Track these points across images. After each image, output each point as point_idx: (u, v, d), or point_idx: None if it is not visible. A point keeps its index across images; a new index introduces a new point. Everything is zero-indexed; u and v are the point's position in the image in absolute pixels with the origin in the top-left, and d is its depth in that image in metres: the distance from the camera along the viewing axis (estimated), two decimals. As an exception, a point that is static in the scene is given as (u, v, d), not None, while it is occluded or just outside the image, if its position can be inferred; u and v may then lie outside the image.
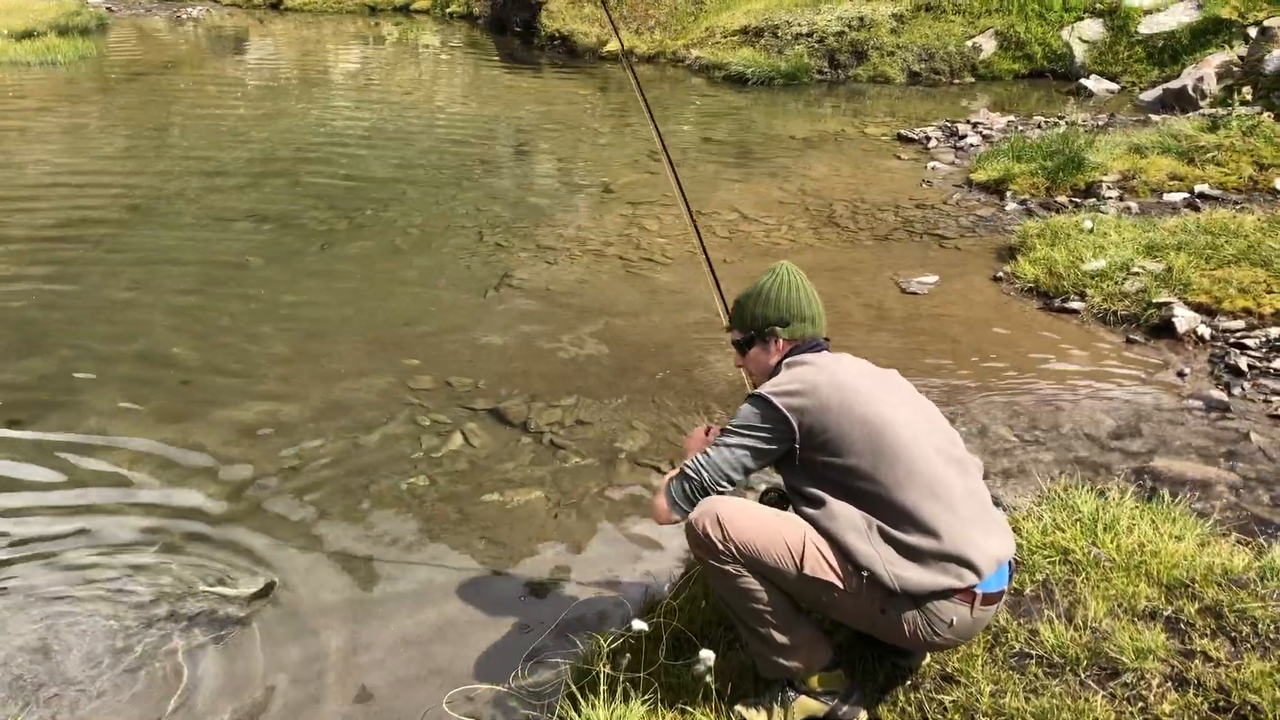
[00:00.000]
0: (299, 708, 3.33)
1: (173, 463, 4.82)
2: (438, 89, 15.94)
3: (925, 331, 6.15)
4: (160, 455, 4.88)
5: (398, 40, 21.62)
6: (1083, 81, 13.94)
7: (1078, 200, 8.47)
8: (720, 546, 2.74)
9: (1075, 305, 6.32)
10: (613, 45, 17.62)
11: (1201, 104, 11.49)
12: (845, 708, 2.85)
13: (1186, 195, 8.27)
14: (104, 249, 7.85)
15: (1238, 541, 3.61)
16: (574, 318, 6.43)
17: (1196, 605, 3.16)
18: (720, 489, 2.84)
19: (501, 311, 6.57)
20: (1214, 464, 4.47)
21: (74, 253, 7.75)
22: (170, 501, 4.50)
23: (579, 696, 2.93)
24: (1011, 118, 11.97)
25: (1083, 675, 2.93)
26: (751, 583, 2.75)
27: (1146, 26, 14.26)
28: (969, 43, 15.25)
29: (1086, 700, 2.82)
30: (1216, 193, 8.26)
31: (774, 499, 3.01)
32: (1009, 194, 8.80)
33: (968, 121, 11.80)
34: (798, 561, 2.70)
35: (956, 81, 15.01)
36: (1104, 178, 8.68)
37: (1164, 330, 5.87)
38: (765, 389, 2.84)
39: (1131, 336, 5.92)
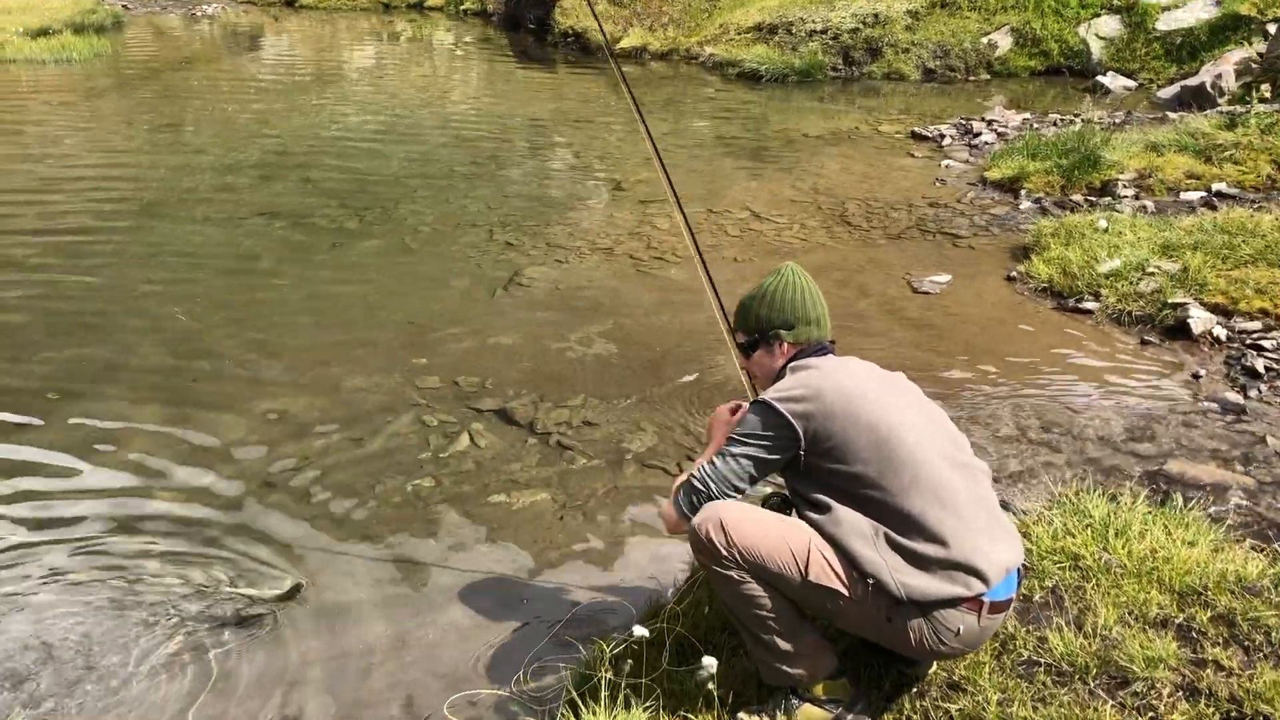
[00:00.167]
0: (298, 710, 3.31)
1: (176, 462, 4.81)
2: (451, 86, 15.94)
3: (937, 332, 6.10)
4: (164, 454, 4.87)
5: (411, 37, 21.63)
6: (1099, 79, 13.82)
7: (1093, 199, 8.39)
8: (724, 552, 2.70)
9: (1089, 305, 6.26)
10: (626, 42, 17.56)
11: (1220, 101, 11.37)
12: (850, 716, 2.81)
13: (1204, 194, 8.17)
14: (115, 246, 7.86)
15: (1252, 548, 3.55)
16: (583, 317, 6.40)
17: (1209, 613, 3.11)
18: (727, 499, 2.81)
19: (510, 310, 6.55)
20: (1229, 468, 4.41)
21: (85, 250, 7.75)
22: (173, 500, 4.50)
23: (580, 703, 2.90)
24: (1027, 115, 11.87)
25: (1092, 684, 2.88)
26: (755, 589, 2.72)
27: (1164, 23, 14.14)
28: (984, 39, 15.15)
29: (1095, 710, 2.78)
30: (1234, 191, 8.16)
31: (777, 503, 2.98)
32: (1023, 192, 8.73)
33: (982, 119, 11.72)
34: (802, 568, 2.67)
35: (972, 79, 14.91)
36: (1120, 176, 8.60)
37: (1179, 331, 5.80)
38: (769, 395, 2.80)
39: (1146, 337, 5.85)
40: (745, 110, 13.29)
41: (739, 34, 16.56)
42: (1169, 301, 5.96)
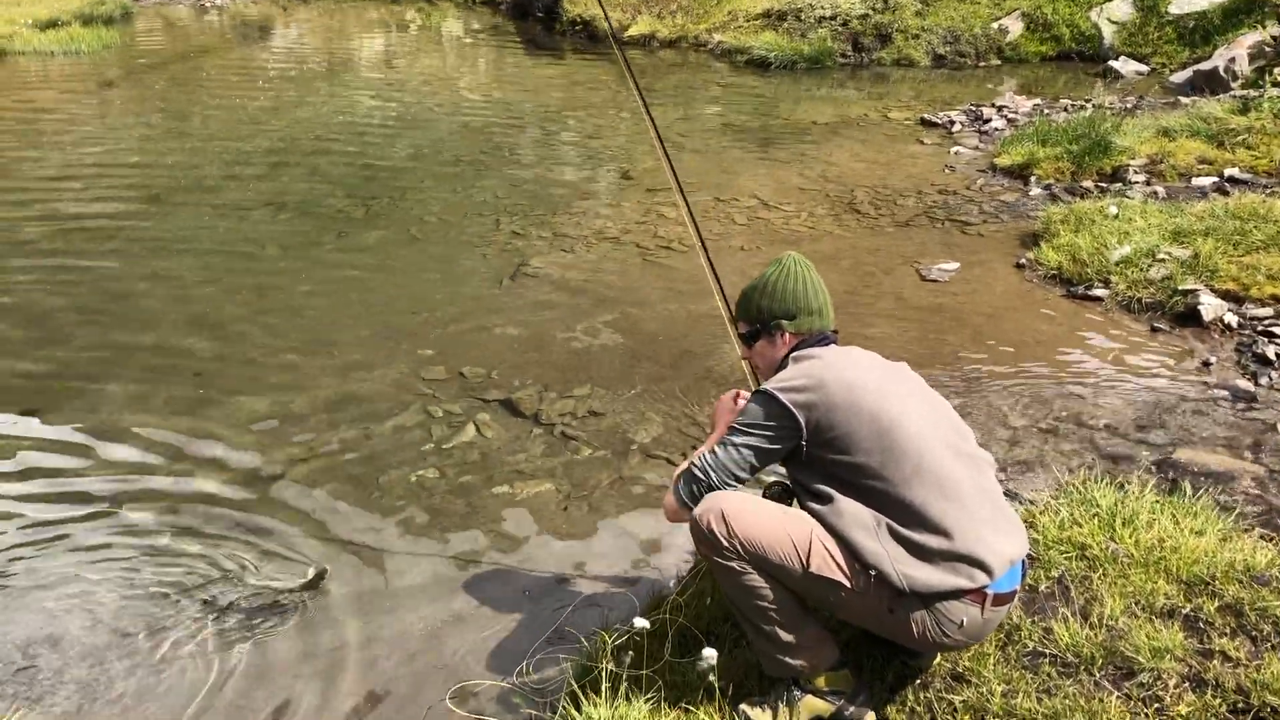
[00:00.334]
0: (299, 701, 3.31)
1: (183, 453, 4.82)
2: (459, 75, 15.89)
3: (945, 319, 6.06)
4: (171, 444, 4.88)
5: (421, 26, 21.57)
6: (1111, 63, 13.70)
7: (1104, 185, 8.32)
8: (725, 543, 2.68)
9: (1099, 292, 6.21)
10: (635, 29, 17.49)
11: (1233, 85, 11.25)
12: (852, 708, 2.80)
13: (1216, 179, 8.09)
14: (123, 238, 7.86)
15: (1261, 537, 3.51)
16: (589, 307, 6.38)
17: (1216, 603, 3.08)
18: (728, 489, 2.79)
19: (516, 301, 6.53)
20: (1239, 456, 4.36)
21: (95, 240, 7.77)
22: (180, 490, 4.51)
23: (581, 694, 2.89)
24: (1038, 101, 11.78)
25: (1097, 675, 2.86)
26: (756, 580, 2.70)
27: (1177, 6, 14.00)
28: (995, 25, 15.02)
29: (1101, 701, 2.76)
30: (1246, 177, 8.08)
31: (778, 493, 2.96)
32: (1033, 179, 8.66)
33: (993, 105, 11.62)
34: (804, 559, 2.65)
35: (982, 64, 14.79)
36: (1131, 162, 8.52)
37: (1189, 318, 5.74)
38: (771, 385, 2.78)
39: (1156, 325, 5.80)
40: (754, 98, 13.22)
41: (748, 21, 16.46)
42: (1179, 288, 5.91)
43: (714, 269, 3.44)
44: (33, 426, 5.09)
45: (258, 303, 6.58)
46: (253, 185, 9.28)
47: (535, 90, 14.06)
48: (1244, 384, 5.02)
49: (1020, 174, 8.86)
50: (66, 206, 8.72)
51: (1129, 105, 10.84)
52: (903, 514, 2.62)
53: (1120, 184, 8.21)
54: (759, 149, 10.38)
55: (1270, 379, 5.05)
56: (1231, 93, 10.65)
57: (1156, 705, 2.74)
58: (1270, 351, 5.25)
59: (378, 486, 4.52)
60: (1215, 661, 2.86)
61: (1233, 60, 11.61)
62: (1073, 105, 11.26)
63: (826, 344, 2.92)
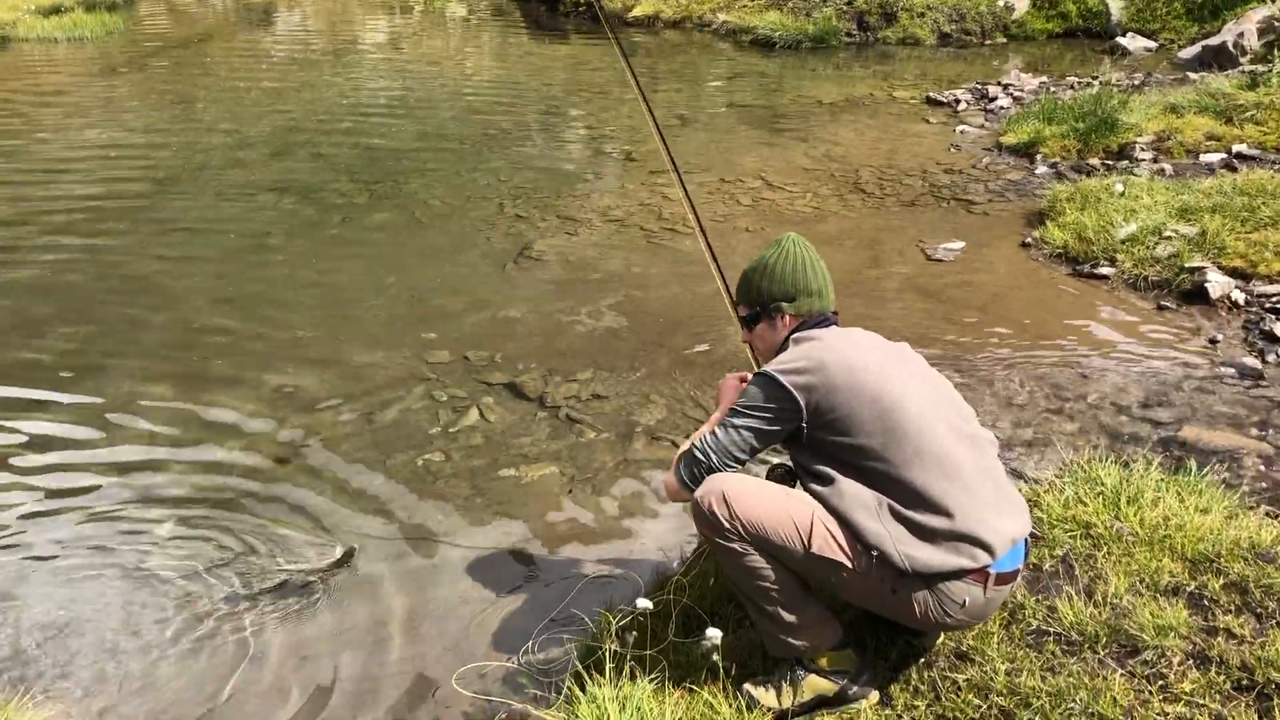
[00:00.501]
0: (305, 683, 3.33)
1: (187, 436, 4.84)
2: (463, 57, 15.85)
3: (951, 299, 6.04)
4: (175, 427, 4.91)
5: (424, 9, 21.49)
6: (1119, 40, 13.60)
7: (1110, 163, 8.26)
8: (726, 525, 2.68)
9: (1105, 271, 6.18)
10: (639, 10, 17.42)
11: (1242, 61, 11.17)
12: (855, 687, 2.80)
13: (1224, 156, 8.03)
14: (129, 221, 7.88)
15: (1267, 514, 3.51)
16: (593, 290, 6.37)
17: (1221, 581, 3.08)
18: (728, 470, 2.79)
19: (520, 284, 6.52)
20: (1245, 433, 4.35)
21: (98, 226, 7.79)
22: (184, 473, 4.53)
23: (585, 675, 2.90)
24: (1044, 79, 11.69)
25: (1102, 653, 2.86)
26: (758, 561, 2.70)
27: (1185, -19, 13.88)
28: (1001, 2, 14.91)
29: (1105, 679, 2.75)
30: (1255, 153, 8.02)
31: (781, 474, 2.96)
32: (1039, 157, 8.61)
33: (999, 83, 11.56)
34: (805, 540, 2.65)
35: (988, 42, 14.70)
36: (1138, 139, 8.46)
37: (1196, 296, 5.72)
38: (772, 367, 2.77)
39: (1163, 302, 5.77)
40: (758, 77, 13.16)
41: (752, 0, 16.37)
42: (1186, 266, 5.88)
43: (713, 253, 3.43)
44: (39, 412, 5.11)
45: (260, 288, 6.58)
46: (257, 170, 9.28)
47: (539, 72, 14.01)
48: (1251, 361, 5.00)
49: (1026, 152, 8.81)
50: (74, 190, 8.75)
51: (1136, 82, 10.77)
52: (904, 495, 2.62)
53: (1127, 161, 8.16)
54: (764, 129, 10.34)
55: (1277, 355, 5.03)
56: (1240, 68, 10.58)
57: (1161, 683, 2.74)
58: (1277, 328, 5.22)
59: (383, 470, 4.53)
60: (1220, 639, 2.86)
61: (1241, 35, 11.51)
62: (1079, 83, 11.17)
63: (827, 325, 2.91)
